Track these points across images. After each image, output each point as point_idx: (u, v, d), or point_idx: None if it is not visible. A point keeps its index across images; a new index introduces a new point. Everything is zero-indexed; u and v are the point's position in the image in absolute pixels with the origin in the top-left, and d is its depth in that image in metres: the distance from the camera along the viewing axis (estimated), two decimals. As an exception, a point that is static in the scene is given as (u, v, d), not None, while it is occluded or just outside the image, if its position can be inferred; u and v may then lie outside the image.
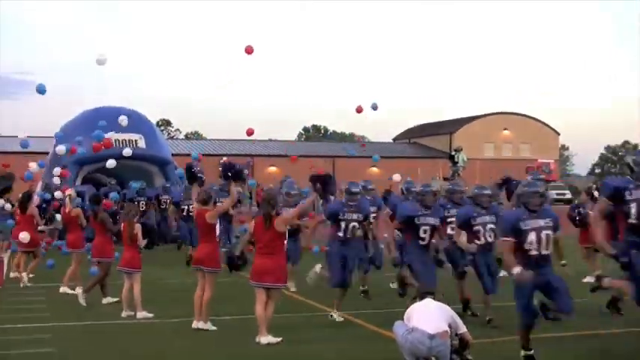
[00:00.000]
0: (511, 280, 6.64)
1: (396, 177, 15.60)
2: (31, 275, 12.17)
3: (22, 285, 11.89)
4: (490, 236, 8.77)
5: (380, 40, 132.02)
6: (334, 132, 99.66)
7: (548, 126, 63.07)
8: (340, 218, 9.22)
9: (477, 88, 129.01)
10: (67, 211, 11.70)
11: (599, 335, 7.74)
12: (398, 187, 12.55)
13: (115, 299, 10.06)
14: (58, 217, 13.79)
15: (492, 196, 9.43)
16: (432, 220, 8.82)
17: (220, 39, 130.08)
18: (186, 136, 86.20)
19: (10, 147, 35.31)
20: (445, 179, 27.34)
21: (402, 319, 6.70)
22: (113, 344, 7.88)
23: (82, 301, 10.02)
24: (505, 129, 60.53)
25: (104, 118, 16.06)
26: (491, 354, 7.29)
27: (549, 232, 6.70)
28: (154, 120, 28.84)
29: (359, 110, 14.42)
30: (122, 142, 19.86)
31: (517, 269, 6.47)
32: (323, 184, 8.39)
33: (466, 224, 8.79)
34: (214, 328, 8.48)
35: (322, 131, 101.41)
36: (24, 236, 11.93)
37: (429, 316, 6.52)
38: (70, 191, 12.15)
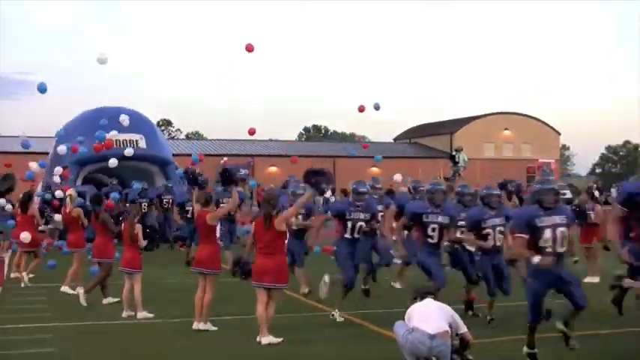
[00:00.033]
0: (521, 279, 6.66)
1: (397, 177, 15.62)
2: (31, 275, 12.18)
3: (22, 285, 11.89)
4: (499, 239, 8.74)
5: (380, 41, 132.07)
6: (335, 132, 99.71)
7: (548, 126, 63.05)
8: (347, 218, 9.16)
9: (478, 88, 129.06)
10: (67, 210, 11.71)
11: (600, 335, 7.74)
12: (399, 187, 12.56)
13: (116, 299, 10.06)
14: (59, 217, 13.80)
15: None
16: (440, 219, 8.71)
17: (220, 39, 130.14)
18: (187, 136, 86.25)
19: (10, 147, 35.33)
20: (446, 179, 27.30)
21: (403, 319, 6.71)
22: (114, 344, 7.89)
23: (82, 301, 10.03)
24: (506, 129, 60.51)
25: (105, 118, 16.08)
26: (491, 354, 7.30)
27: (564, 229, 6.69)
28: (154, 120, 28.86)
29: (361, 109, 14.45)
30: (123, 143, 19.86)
31: (536, 257, 6.48)
32: (318, 179, 8.31)
33: (476, 227, 8.74)
34: (215, 328, 8.49)
35: (323, 131, 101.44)
36: (25, 236, 11.94)
37: (429, 316, 6.52)
38: (71, 191, 12.16)
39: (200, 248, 8.75)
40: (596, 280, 12.24)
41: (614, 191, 54.14)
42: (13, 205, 13.11)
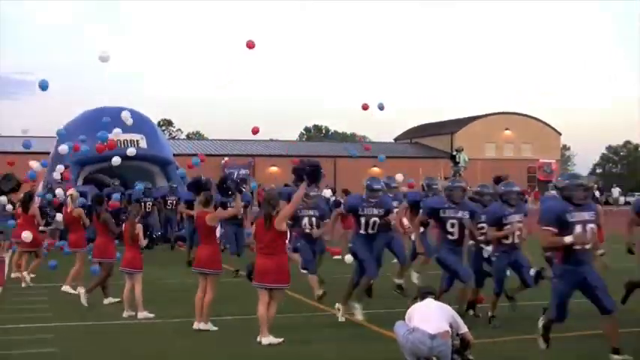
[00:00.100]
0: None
1: (399, 177, 15.59)
2: (32, 275, 12.19)
3: (24, 285, 11.91)
4: (518, 237, 8.70)
5: (380, 40, 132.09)
6: (335, 132, 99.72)
7: (549, 126, 63.06)
8: (360, 214, 9.09)
9: (478, 88, 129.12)
10: (68, 210, 11.72)
11: (601, 335, 7.72)
12: (400, 187, 12.53)
13: (117, 299, 10.07)
14: (59, 216, 13.81)
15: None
16: (459, 214, 8.57)
17: (220, 39, 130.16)
18: (188, 136, 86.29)
19: (11, 147, 35.33)
20: (447, 179, 27.32)
21: (403, 319, 6.71)
22: (115, 344, 7.90)
23: (84, 301, 10.03)
24: (506, 129, 60.53)
25: (107, 116, 16.11)
26: (492, 354, 7.30)
27: (594, 225, 6.66)
28: (155, 120, 28.86)
29: (365, 107, 14.46)
30: (124, 143, 19.87)
31: (568, 237, 6.47)
32: (308, 173, 8.23)
33: (498, 222, 8.64)
34: (215, 328, 8.49)
35: (323, 131, 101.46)
36: (26, 235, 11.95)
37: (430, 316, 6.53)
38: (72, 191, 12.18)
39: (200, 248, 8.75)
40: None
41: (614, 191, 53.91)
42: (13, 205, 13.11)
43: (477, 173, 30.92)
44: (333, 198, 22.95)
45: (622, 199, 49.80)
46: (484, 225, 8.89)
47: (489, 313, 8.76)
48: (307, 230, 10.34)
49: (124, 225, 9.74)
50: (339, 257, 13.98)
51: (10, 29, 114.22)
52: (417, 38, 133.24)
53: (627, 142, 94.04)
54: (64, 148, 14.78)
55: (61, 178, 15.26)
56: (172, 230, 19.76)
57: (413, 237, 10.99)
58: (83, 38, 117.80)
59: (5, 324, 8.78)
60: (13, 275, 12.74)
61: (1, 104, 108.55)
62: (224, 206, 11.70)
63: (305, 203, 10.40)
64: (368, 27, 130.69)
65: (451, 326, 6.54)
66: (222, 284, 9.24)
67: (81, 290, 10.31)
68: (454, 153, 29.54)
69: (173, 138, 76.26)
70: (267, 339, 7.71)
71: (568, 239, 6.47)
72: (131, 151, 16.65)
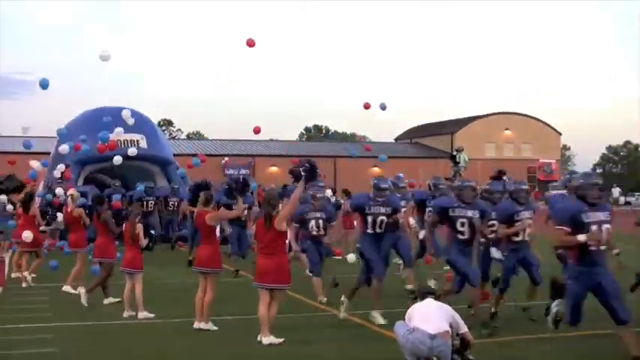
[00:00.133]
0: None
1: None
2: (33, 275, 12.19)
3: (24, 285, 11.90)
4: (527, 234, 8.67)
5: (381, 40, 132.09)
6: (335, 132, 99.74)
7: (549, 126, 63.09)
8: (367, 212, 9.03)
9: (478, 88, 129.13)
10: (69, 210, 11.72)
11: (601, 335, 7.73)
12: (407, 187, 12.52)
13: (117, 299, 10.07)
14: (60, 216, 13.81)
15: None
16: (470, 213, 8.39)
17: (220, 39, 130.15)
18: (188, 136, 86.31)
19: (12, 147, 35.36)
20: (447, 179, 27.31)
21: (403, 319, 6.71)
22: (115, 344, 7.89)
23: (84, 301, 10.03)
24: (506, 129, 60.57)
25: (107, 116, 16.09)
26: (492, 354, 7.29)
27: (609, 225, 6.56)
28: (155, 120, 28.86)
29: (367, 106, 14.47)
30: (124, 143, 19.86)
31: (582, 236, 6.37)
32: (305, 172, 8.20)
33: (509, 219, 8.60)
34: (216, 328, 8.49)
35: (323, 131, 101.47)
36: (27, 235, 11.95)
37: (430, 316, 6.52)
38: (72, 191, 12.17)
39: (200, 248, 8.75)
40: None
41: (614, 191, 53.95)
42: (14, 205, 13.11)
43: (477, 173, 30.84)
44: (334, 199, 22.94)
45: (622, 199, 49.86)
46: (495, 222, 8.83)
47: (492, 309, 8.71)
48: (314, 233, 10.30)
49: (124, 225, 9.74)
50: (339, 257, 13.96)
51: (10, 29, 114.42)
52: (417, 38, 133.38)
53: (627, 142, 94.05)
54: (64, 148, 14.77)
55: (62, 178, 15.26)
56: (173, 231, 19.73)
57: (420, 236, 10.97)
58: (83, 38, 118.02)
59: (5, 324, 8.77)
60: (13, 275, 12.73)
61: (1, 104, 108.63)
62: (229, 208, 11.72)
63: (312, 205, 10.42)
64: (368, 27, 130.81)
65: (451, 326, 6.54)
66: (222, 284, 9.23)
67: (81, 290, 10.31)
68: (454, 153, 29.51)
69: (173, 138, 76.28)
70: (267, 339, 7.70)
71: (582, 237, 6.38)
72: (132, 151, 16.66)
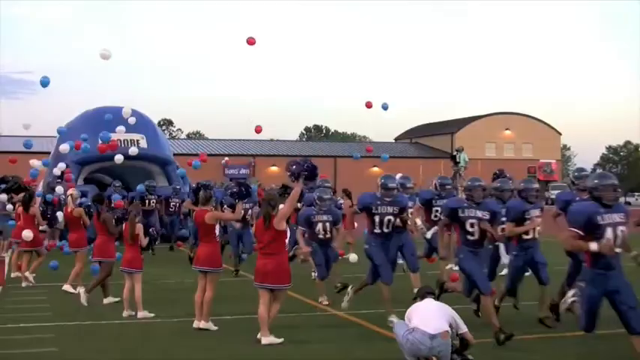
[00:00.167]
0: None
1: (399, 177, 15.58)
2: (33, 275, 12.19)
3: (24, 285, 11.91)
4: (537, 232, 8.56)
5: (381, 40, 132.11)
6: (336, 132, 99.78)
7: (549, 126, 63.07)
8: (374, 212, 8.92)
9: (478, 88, 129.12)
10: (69, 210, 11.72)
11: (601, 335, 7.72)
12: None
13: (117, 299, 10.07)
14: (60, 215, 13.81)
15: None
16: (479, 213, 8.15)
17: (220, 39, 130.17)
18: (188, 136, 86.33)
19: (12, 147, 35.34)
20: (447, 179, 27.30)
21: (403, 319, 6.71)
22: (115, 344, 7.89)
23: (83, 301, 10.03)
24: (507, 129, 60.55)
25: (109, 114, 16.11)
26: (492, 354, 7.29)
27: (624, 228, 6.33)
28: (155, 120, 28.85)
29: (369, 106, 14.46)
30: (124, 142, 19.86)
31: (594, 244, 6.10)
32: (304, 171, 8.07)
33: (519, 217, 8.44)
34: (215, 327, 8.48)
35: (324, 131, 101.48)
36: (27, 234, 11.96)
37: (429, 316, 6.53)
38: (72, 191, 12.17)
39: (200, 247, 8.75)
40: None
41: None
42: (13, 205, 13.13)
43: (478, 173, 30.85)
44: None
45: (622, 199, 49.88)
46: (504, 220, 8.67)
47: (495, 302, 8.66)
48: (321, 236, 10.21)
49: (124, 225, 9.73)
50: (341, 257, 13.97)
51: (10, 29, 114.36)
52: (417, 38, 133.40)
53: (627, 142, 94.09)
54: (65, 147, 14.77)
55: (62, 177, 15.26)
56: (174, 232, 19.70)
57: (428, 235, 10.94)
58: (83, 38, 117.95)
59: (5, 323, 8.77)
60: (13, 275, 12.74)
61: (1, 104, 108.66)
62: (233, 208, 11.71)
63: (318, 208, 10.30)
64: (368, 27, 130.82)
65: (451, 326, 6.54)
66: (222, 284, 9.23)
67: (81, 290, 10.31)
68: (454, 153, 29.55)
69: (173, 138, 76.28)
70: (267, 339, 7.70)
71: (594, 247, 6.09)
72: (133, 151, 16.67)
